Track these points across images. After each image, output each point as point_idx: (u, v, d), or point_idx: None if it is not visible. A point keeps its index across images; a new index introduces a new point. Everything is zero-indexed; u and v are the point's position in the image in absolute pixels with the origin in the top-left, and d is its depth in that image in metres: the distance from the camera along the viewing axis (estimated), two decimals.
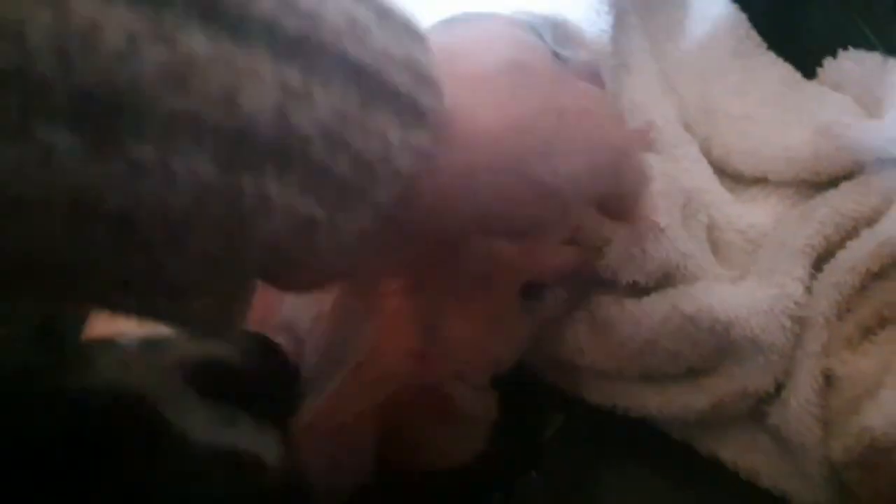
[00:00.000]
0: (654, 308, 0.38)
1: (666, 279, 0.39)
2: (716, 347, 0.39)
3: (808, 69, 0.50)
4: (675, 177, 0.42)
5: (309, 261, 0.25)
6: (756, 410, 0.40)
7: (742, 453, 0.41)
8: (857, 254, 0.39)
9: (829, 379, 0.38)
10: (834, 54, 0.49)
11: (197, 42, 0.20)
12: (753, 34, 0.52)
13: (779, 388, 0.39)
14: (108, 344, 0.33)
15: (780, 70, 0.50)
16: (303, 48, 0.22)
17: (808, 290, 0.39)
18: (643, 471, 0.43)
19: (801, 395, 0.37)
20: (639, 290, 0.40)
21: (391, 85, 0.24)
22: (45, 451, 0.28)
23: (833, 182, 0.43)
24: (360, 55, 0.23)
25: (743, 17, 0.53)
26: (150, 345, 0.33)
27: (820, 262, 0.41)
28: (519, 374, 0.42)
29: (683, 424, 0.41)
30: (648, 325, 0.38)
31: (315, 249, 0.24)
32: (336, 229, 0.24)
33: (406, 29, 0.25)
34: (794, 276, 0.39)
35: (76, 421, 0.29)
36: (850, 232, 0.40)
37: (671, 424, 0.42)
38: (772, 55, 0.51)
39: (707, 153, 0.48)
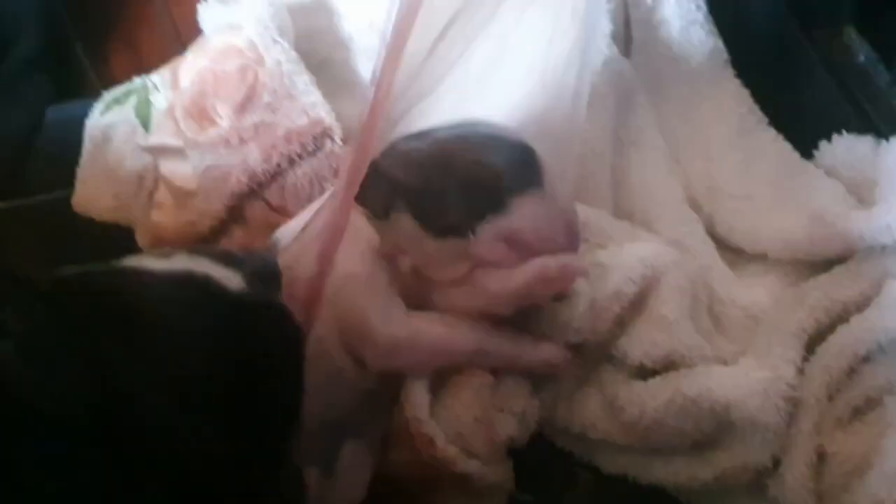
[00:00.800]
0: (659, 391, 0.42)
1: (671, 364, 0.42)
2: (717, 426, 0.42)
3: (807, 145, 0.53)
4: (685, 265, 0.45)
5: None
6: (757, 482, 0.43)
7: None
8: (846, 339, 0.42)
9: (821, 456, 0.41)
10: (830, 132, 0.52)
11: None
12: (756, 110, 0.55)
13: (777, 462, 0.42)
14: None
15: (779, 149, 0.53)
16: None
17: (801, 371, 0.43)
18: None
19: (797, 470, 0.41)
20: (645, 371, 0.43)
21: None
22: None
23: (828, 263, 0.46)
24: None
25: (746, 93, 0.56)
26: None
27: (812, 343, 0.44)
28: (536, 442, 0.45)
29: (690, 492, 0.44)
30: (654, 406, 0.42)
31: None
32: None
33: None
34: (787, 358, 0.42)
35: None
36: (841, 315, 0.44)
37: (679, 491, 0.45)
38: (772, 132, 0.54)
39: (711, 229, 0.52)
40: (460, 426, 0.42)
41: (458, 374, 0.42)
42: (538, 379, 0.45)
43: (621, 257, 0.45)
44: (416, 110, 0.47)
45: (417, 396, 0.42)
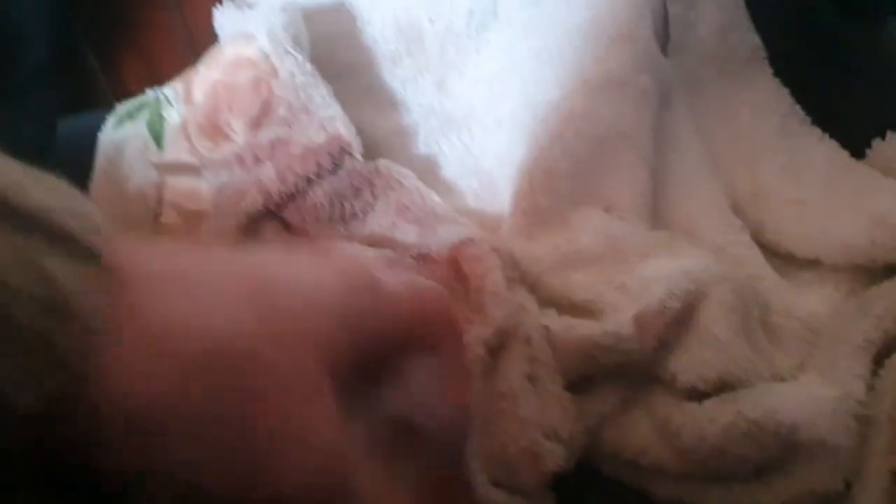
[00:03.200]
0: (718, 414, 0.39)
1: (725, 385, 0.40)
2: (782, 450, 0.39)
3: (857, 144, 0.51)
4: (732, 278, 0.42)
5: None
6: None
7: None
8: None
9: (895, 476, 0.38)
10: (881, 129, 0.50)
11: None
12: (797, 109, 0.53)
13: (848, 486, 0.39)
14: None
15: (827, 149, 0.51)
16: None
17: (871, 387, 0.40)
18: None
19: (870, 494, 0.38)
20: (697, 392, 0.40)
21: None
22: None
23: (889, 269, 0.44)
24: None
25: (785, 91, 0.53)
26: None
27: (880, 357, 0.41)
28: (578, 472, 0.43)
29: None
30: (714, 431, 0.39)
31: None
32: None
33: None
34: (855, 373, 0.39)
35: None
36: None
37: None
38: (818, 132, 0.52)
39: (758, 236, 0.49)
40: (507, 460, 0.40)
41: (502, 400, 0.39)
42: (583, 402, 0.43)
43: (663, 270, 0.42)
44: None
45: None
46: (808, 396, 0.39)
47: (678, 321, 0.41)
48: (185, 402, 0.23)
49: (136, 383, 0.22)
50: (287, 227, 0.50)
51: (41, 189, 0.23)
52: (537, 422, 0.40)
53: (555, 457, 0.40)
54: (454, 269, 0.45)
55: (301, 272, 0.27)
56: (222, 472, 0.24)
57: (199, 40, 0.61)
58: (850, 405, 0.38)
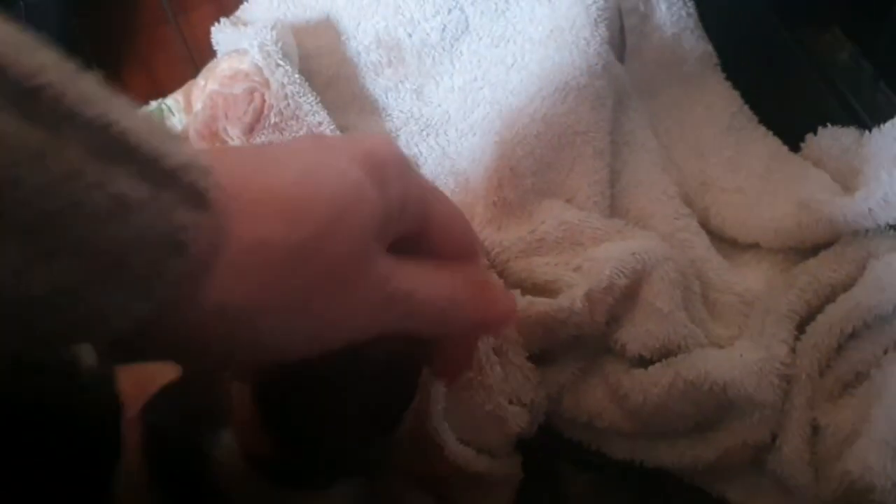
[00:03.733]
0: (660, 377, 0.44)
1: (668, 352, 0.45)
2: (717, 406, 0.44)
3: (796, 139, 0.56)
4: (676, 258, 0.47)
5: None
6: (757, 458, 0.45)
7: (748, 496, 0.46)
8: (833, 317, 0.44)
9: (815, 429, 0.43)
10: (817, 126, 0.54)
11: None
12: (746, 109, 0.58)
13: (774, 438, 0.44)
14: None
15: (769, 144, 0.56)
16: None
17: (793, 350, 0.45)
18: None
19: (792, 444, 0.43)
20: (645, 360, 0.46)
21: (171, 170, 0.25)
22: None
23: (816, 249, 0.49)
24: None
25: (735, 94, 0.58)
26: None
27: (803, 324, 0.46)
28: (542, 434, 0.48)
29: (694, 472, 0.46)
30: (656, 392, 0.44)
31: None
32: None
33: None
34: (780, 338, 0.45)
35: None
36: (829, 296, 0.46)
37: (683, 472, 0.47)
38: (762, 129, 0.57)
39: (705, 223, 0.54)
40: (475, 422, 0.45)
41: (470, 371, 0.44)
42: (545, 373, 0.48)
43: (613, 252, 0.47)
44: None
45: (435, 405, 0.43)
46: (738, 359, 0.44)
47: (626, 296, 0.46)
48: (273, 296, 0.28)
49: (236, 289, 0.27)
50: None
51: (159, 136, 0.24)
52: (502, 389, 0.45)
53: (518, 420, 0.45)
54: None
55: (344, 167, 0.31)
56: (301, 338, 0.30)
57: (199, 55, 0.65)
58: (775, 366, 0.44)
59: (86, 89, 0.23)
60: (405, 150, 0.60)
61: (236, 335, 0.28)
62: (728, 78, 0.59)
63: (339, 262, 0.29)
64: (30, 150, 0.21)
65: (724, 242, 0.54)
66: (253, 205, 0.27)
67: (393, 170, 0.32)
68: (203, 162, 0.25)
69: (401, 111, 0.60)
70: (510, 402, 0.45)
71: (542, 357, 0.48)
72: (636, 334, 0.45)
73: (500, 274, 0.51)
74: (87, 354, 0.37)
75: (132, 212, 0.23)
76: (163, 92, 0.60)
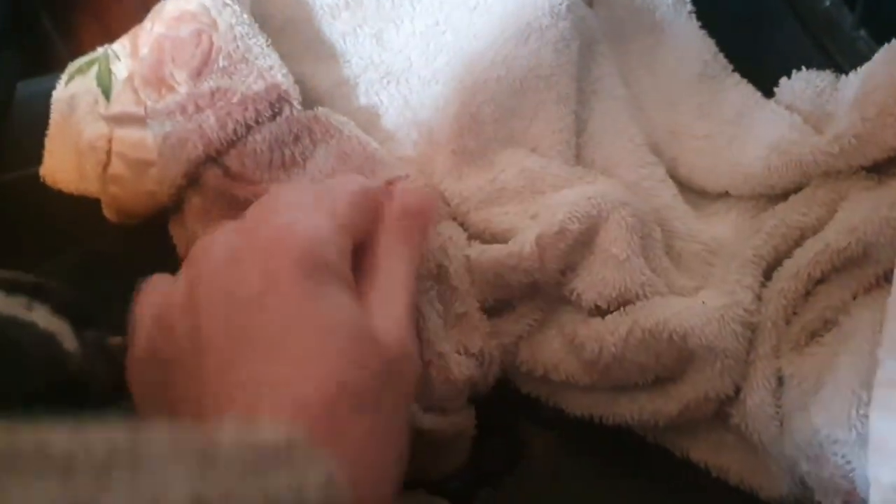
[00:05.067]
0: (617, 326, 0.42)
1: (625, 301, 0.42)
2: (677, 357, 0.42)
3: (771, 86, 0.54)
4: (634, 204, 0.44)
5: None
6: (721, 412, 0.43)
7: (711, 453, 0.43)
8: (801, 261, 0.42)
9: (780, 379, 0.41)
10: (786, 70, 0.52)
11: None
12: (720, 57, 0.55)
13: (738, 391, 0.42)
14: None
15: (742, 91, 0.53)
16: None
17: (759, 297, 0.42)
18: (619, 471, 0.46)
19: (756, 395, 0.41)
20: (602, 310, 0.43)
21: None
22: None
23: (787, 196, 0.46)
24: None
25: (710, 41, 0.56)
26: None
27: (770, 270, 0.44)
28: (499, 388, 0.45)
29: (656, 429, 0.44)
30: (612, 342, 0.41)
31: None
32: None
33: None
34: (743, 284, 0.42)
35: None
36: (797, 241, 0.44)
37: (645, 430, 0.45)
38: (736, 76, 0.54)
39: (674, 172, 0.52)
40: (427, 379, 0.42)
41: None
42: (500, 324, 0.45)
43: (567, 197, 0.45)
44: None
45: None
46: (699, 306, 0.41)
47: (580, 243, 0.43)
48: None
49: None
50: (228, 173, 0.53)
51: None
52: (445, 337, 0.42)
53: (463, 369, 0.42)
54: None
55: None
56: None
57: (152, 3, 0.63)
58: (738, 312, 0.41)
59: None
60: (365, 99, 0.58)
61: None
62: (703, 26, 0.57)
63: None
64: None
65: (693, 193, 0.51)
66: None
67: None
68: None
69: (360, 57, 0.58)
70: (457, 353, 0.43)
71: (497, 308, 0.46)
72: (591, 282, 0.43)
73: (462, 225, 0.49)
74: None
75: None
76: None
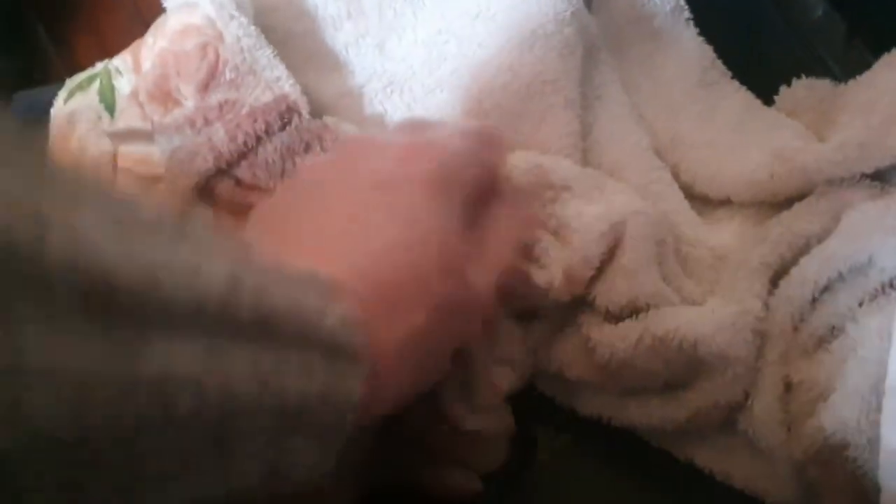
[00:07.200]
0: (628, 332, 0.42)
1: (636, 309, 0.43)
2: (687, 364, 0.42)
3: (770, 94, 0.54)
4: (647, 211, 0.45)
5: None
6: (727, 418, 0.43)
7: (717, 458, 0.44)
8: (808, 270, 0.43)
9: (788, 386, 0.42)
10: (787, 79, 0.53)
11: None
12: (719, 64, 0.56)
13: (747, 397, 0.43)
14: None
15: (742, 97, 0.54)
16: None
17: (766, 305, 0.43)
18: (626, 473, 0.47)
19: (764, 401, 0.41)
20: (615, 316, 0.44)
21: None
22: None
23: (790, 202, 0.47)
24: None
25: (708, 48, 0.56)
26: None
27: (777, 278, 0.44)
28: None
29: (662, 434, 0.45)
30: (622, 347, 0.42)
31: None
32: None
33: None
34: (752, 292, 0.43)
35: None
36: (803, 248, 0.44)
37: (650, 434, 0.45)
38: (735, 83, 0.55)
39: (676, 179, 0.52)
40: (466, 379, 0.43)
41: None
42: (527, 329, 0.46)
43: (583, 220, 0.46)
44: None
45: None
46: (709, 314, 0.42)
47: (602, 262, 0.44)
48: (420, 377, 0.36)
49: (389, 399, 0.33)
50: (240, 184, 0.53)
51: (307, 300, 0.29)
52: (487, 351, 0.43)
53: (502, 379, 0.43)
54: None
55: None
56: None
57: (147, 15, 0.63)
58: (748, 320, 0.42)
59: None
60: (369, 109, 0.58)
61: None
62: (700, 34, 0.57)
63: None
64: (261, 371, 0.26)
65: (696, 200, 0.52)
66: (382, 325, 0.32)
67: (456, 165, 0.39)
68: (347, 313, 0.30)
69: (363, 67, 0.58)
70: (496, 363, 0.44)
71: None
72: (603, 290, 0.44)
73: None
74: None
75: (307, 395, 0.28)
76: (111, 54, 0.58)
